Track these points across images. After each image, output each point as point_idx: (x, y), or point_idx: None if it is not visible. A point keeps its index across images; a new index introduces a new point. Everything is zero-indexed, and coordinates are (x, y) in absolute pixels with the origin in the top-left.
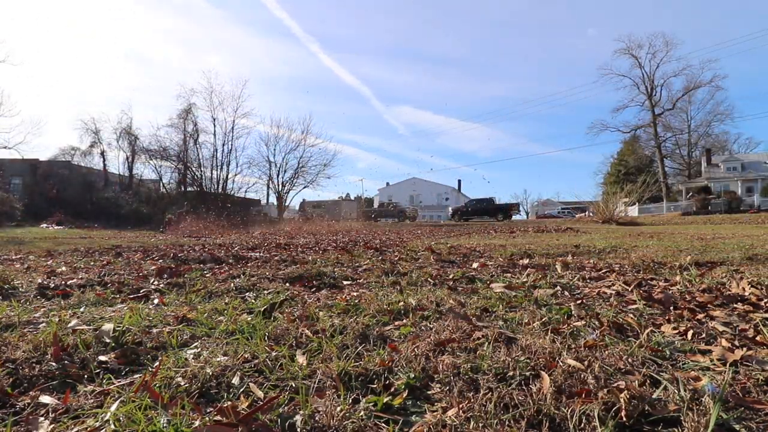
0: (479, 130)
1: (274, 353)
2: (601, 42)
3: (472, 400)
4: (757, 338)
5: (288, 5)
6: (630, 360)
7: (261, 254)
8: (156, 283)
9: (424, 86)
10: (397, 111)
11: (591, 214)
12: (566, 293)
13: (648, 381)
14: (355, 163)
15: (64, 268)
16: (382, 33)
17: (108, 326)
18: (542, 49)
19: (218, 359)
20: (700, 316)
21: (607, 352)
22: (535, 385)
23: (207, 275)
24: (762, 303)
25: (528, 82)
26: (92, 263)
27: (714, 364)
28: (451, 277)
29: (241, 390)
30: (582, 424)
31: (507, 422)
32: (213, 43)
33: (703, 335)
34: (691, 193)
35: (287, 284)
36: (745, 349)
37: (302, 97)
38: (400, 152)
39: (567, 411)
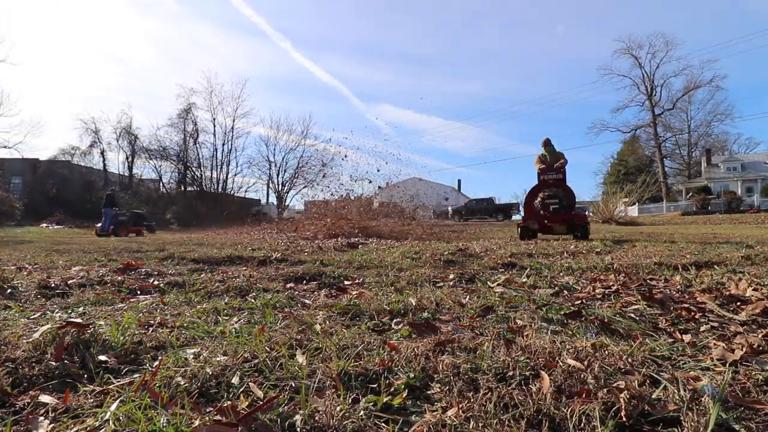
0: (468, 130)
1: (273, 353)
2: (590, 42)
3: (471, 400)
4: None
5: (254, 2)
6: (630, 360)
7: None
8: (156, 282)
9: (402, 85)
10: (378, 110)
11: (591, 214)
12: (566, 293)
13: (648, 381)
14: (345, 163)
15: (63, 268)
16: (353, 31)
17: (108, 326)
18: (536, 48)
19: (218, 359)
20: (700, 316)
21: (607, 352)
22: (535, 384)
23: (206, 275)
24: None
25: (521, 82)
26: (92, 262)
27: (714, 364)
28: (451, 277)
29: (241, 390)
30: (582, 424)
31: (507, 422)
32: (184, 41)
33: None
34: (691, 193)
35: (287, 284)
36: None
37: (285, 96)
38: (390, 151)
39: (567, 411)
